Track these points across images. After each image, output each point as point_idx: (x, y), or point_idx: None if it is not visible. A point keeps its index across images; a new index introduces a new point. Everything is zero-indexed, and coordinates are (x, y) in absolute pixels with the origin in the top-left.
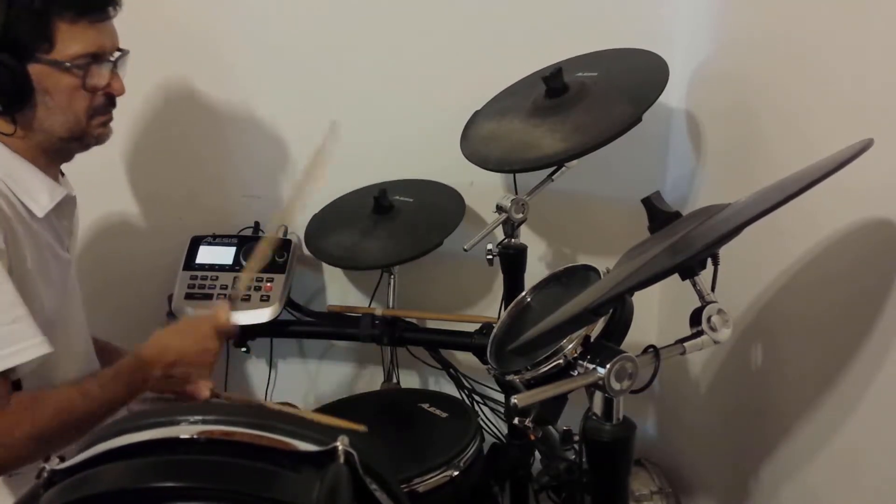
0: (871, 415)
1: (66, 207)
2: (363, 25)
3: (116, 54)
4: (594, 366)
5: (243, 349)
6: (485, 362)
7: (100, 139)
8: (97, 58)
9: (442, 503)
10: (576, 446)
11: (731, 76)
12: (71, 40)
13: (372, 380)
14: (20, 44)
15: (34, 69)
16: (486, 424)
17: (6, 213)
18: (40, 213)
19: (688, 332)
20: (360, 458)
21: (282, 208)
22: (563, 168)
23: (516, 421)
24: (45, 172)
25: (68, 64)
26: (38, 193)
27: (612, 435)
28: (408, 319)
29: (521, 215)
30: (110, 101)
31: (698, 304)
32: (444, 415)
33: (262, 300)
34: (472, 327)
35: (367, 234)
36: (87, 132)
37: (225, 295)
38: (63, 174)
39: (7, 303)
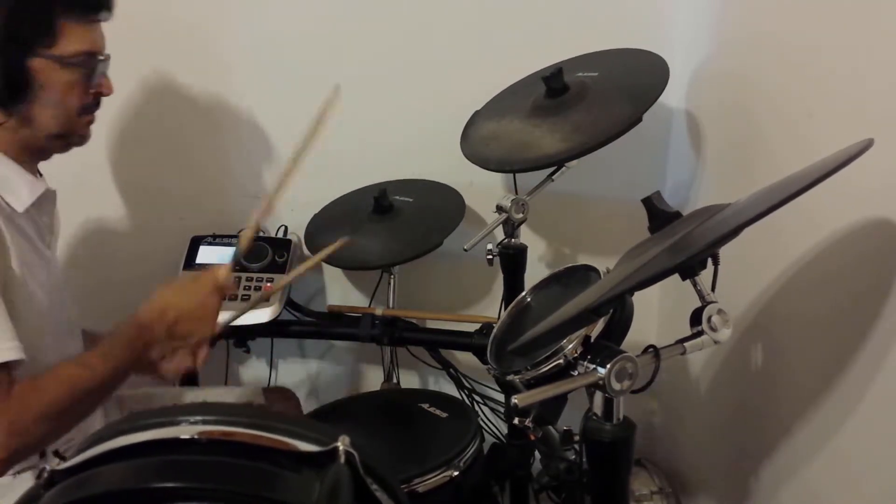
0: (871, 415)
1: (46, 204)
2: (363, 26)
3: (104, 56)
4: (594, 366)
5: (243, 349)
6: (485, 362)
7: (82, 139)
8: (92, 57)
9: (442, 503)
10: (576, 446)
11: (731, 76)
12: (73, 38)
13: (372, 380)
14: (23, 37)
15: (34, 63)
16: (486, 424)
17: None
18: (20, 208)
19: (688, 332)
20: (361, 459)
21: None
22: (563, 168)
23: (516, 421)
24: (24, 168)
25: (69, 61)
26: (19, 188)
27: (613, 435)
28: (408, 319)
29: (521, 215)
30: (97, 102)
31: (698, 304)
32: (444, 415)
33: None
34: (472, 327)
35: (368, 234)
36: (74, 130)
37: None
38: (41, 174)
39: None
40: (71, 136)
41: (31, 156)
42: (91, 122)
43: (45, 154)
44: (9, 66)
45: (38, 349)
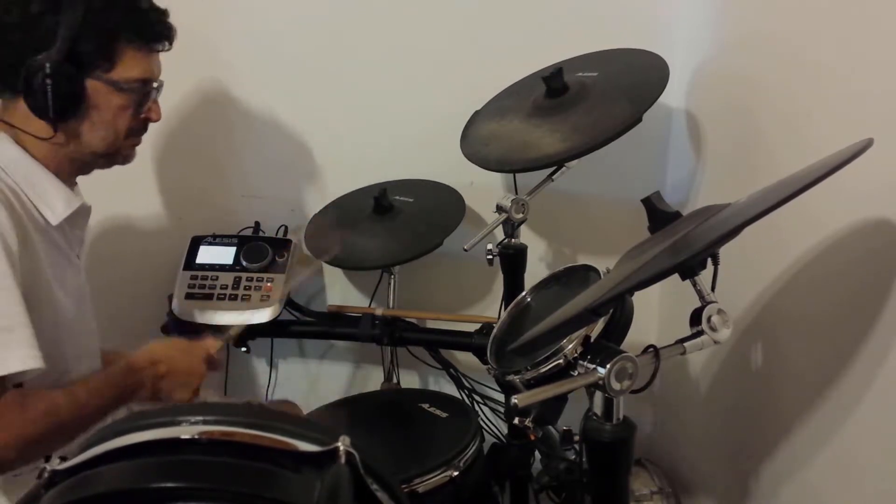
0: (871, 415)
1: (79, 218)
2: (363, 25)
3: (158, 83)
4: (594, 366)
5: (243, 349)
6: (485, 362)
7: (126, 159)
8: (146, 84)
9: (442, 503)
10: (576, 446)
11: (731, 76)
12: (131, 64)
13: (372, 380)
14: (84, 59)
15: (91, 84)
16: (486, 424)
17: (22, 218)
18: (55, 221)
19: (688, 332)
20: (361, 459)
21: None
22: (563, 168)
23: (516, 421)
24: (63, 182)
25: (124, 86)
26: (55, 201)
27: (613, 435)
28: (408, 319)
29: (521, 215)
30: (145, 126)
31: (698, 304)
32: (444, 415)
33: (262, 300)
34: (472, 327)
35: (368, 234)
36: (119, 151)
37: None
38: (76, 184)
39: (3, 309)
40: (116, 156)
41: (72, 170)
42: (136, 143)
43: (86, 169)
44: (66, 84)
45: (58, 356)
